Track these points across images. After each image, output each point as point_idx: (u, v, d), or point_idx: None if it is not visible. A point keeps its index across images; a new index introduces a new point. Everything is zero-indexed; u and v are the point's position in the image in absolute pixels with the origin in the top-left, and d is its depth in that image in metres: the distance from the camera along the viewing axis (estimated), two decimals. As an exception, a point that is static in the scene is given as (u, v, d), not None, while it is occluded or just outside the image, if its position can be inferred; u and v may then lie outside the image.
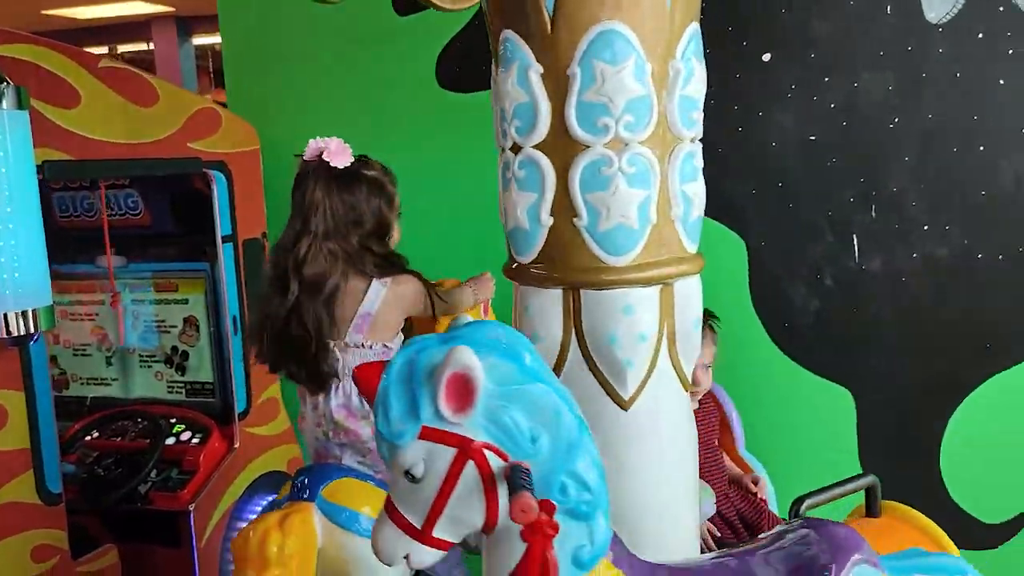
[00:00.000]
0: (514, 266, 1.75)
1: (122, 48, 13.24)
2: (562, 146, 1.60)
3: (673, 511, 1.72)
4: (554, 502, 1.24)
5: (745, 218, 2.83)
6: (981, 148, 2.59)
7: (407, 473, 1.22)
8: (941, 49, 2.58)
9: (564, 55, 1.58)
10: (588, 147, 1.59)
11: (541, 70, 1.61)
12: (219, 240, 2.97)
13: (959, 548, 2.81)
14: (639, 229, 1.60)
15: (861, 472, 2.86)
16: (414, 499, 1.24)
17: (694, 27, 1.61)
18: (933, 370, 2.75)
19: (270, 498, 2.94)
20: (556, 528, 1.22)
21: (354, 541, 1.95)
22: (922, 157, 2.65)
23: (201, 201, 3.00)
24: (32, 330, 2.15)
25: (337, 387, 2.17)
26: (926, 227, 2.68)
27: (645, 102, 1.56)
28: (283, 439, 3.30)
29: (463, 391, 1.18)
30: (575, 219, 1.61)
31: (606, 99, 1.55)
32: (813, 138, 2.73)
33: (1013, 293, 2.64)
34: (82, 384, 3.37)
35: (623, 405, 1.65)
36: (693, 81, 1.61)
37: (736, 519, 2.28)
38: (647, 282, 1.65)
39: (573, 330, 1.65)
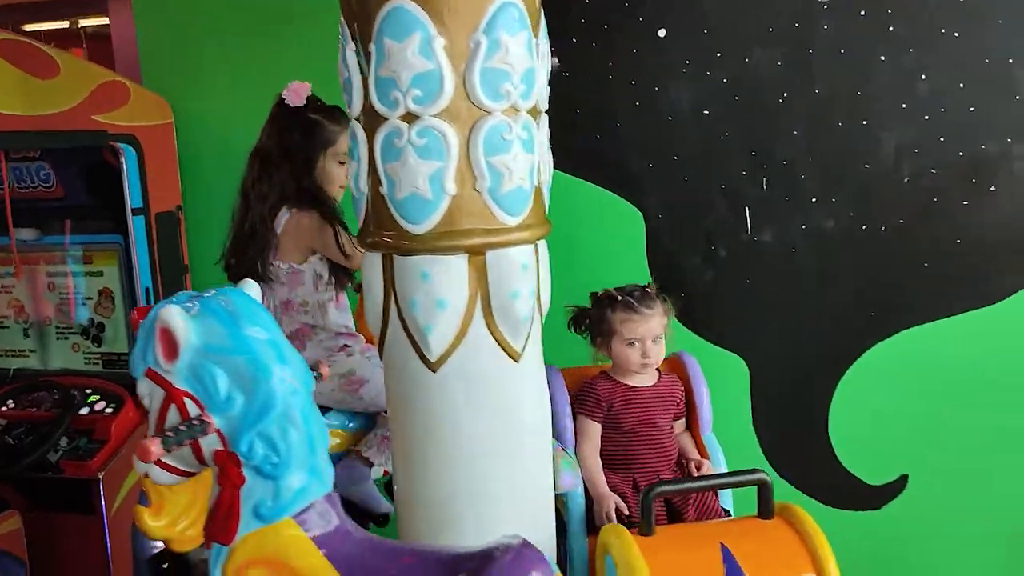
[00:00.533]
0: (399, 237, 1.81)
1: (84, 22, 13.05)
2: (371, 119, 1.68)
3: (499, 486, 1.76)
4: (240, 456, 1.43)
5: (642, 190, 2.90)
6: (864, 123, 2.68)
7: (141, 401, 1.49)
8: (826, 26, 2.65)
9: (366, 33, 1.64)
10: (386, 119, 1.66)
11: (354, 47, 1.68)
12: (129, 213, 3.00)
13: (846, 509, 2.95)
14: (433, 200, 1.65)
15: (756, 438, 3.00)
16: (149, 426, 1.49)
17: (503, 1, 1.65)
18: (821, 338, 2.84)
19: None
20: (241, 479, 1.43)
21: None
22: (810, 131, 2.73)
23: (113, 174, 3.03)
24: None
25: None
26: (814, 199, 2.76)
27: (434, 76, 1.61)
28: (201, 409, 3.35)
29: (169, 344, 1.41)
30: (380, 188, 1.69)
31: (394, 74, 1.61)
32: (707, 112, 2.80)
33: (895, 264, 2.73)
34: (1, 356, 3.41)
35: (431, 367, 1.72)
36: (500, 54, 1.65)
37: (661, 503, 2.21)
38: (445, 250, 1.70)
39: (392, 293, 1.72)
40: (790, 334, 2.86)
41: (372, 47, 1.63)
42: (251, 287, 1.53)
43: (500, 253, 1.71)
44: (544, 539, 1.82)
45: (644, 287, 2.32)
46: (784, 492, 2.85)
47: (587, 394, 2.26)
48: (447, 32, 1.61)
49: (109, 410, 3.06)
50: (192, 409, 1.43)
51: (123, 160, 2.96)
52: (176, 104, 3.25)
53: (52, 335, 3.32)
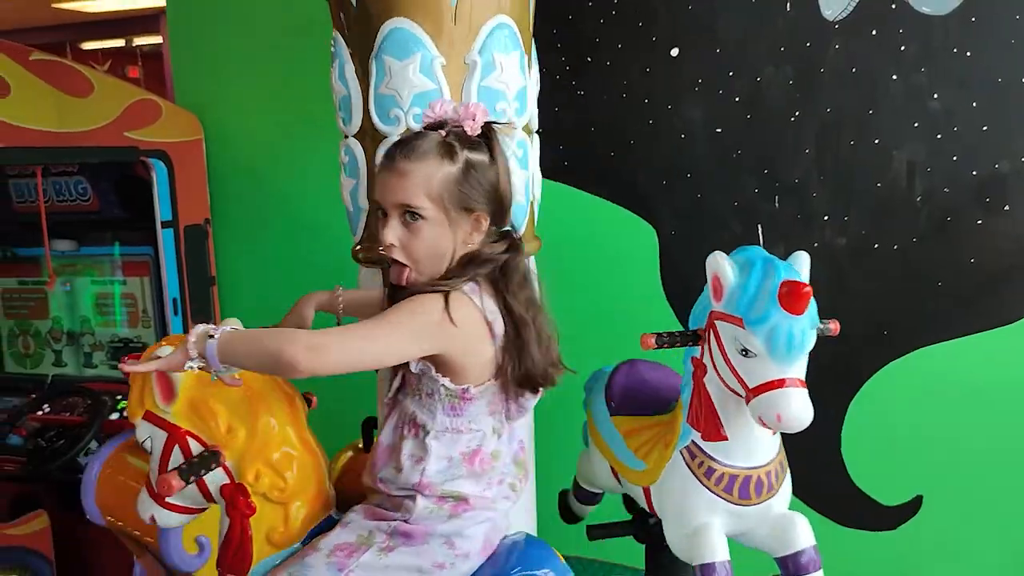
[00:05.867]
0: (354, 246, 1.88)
1: (138, 40, 13.47)
2: (372, 135, 1.74)
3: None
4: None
5: (656, 208, 2.93)
6: (876, 141, 2.67)
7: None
8: (837, 45, 2.66)
9: (366, 49, 1.70)
10: (386, 136, 1.72)
11: (354, 68, 1.74)
12: (159, 225, 3.12)
13: (860, 529, 2.93)
14: None
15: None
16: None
17: (498, 20, 1.70)
18: (833, 357, 2.81)
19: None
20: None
21: None
22: (821, 149, 2.73)
23: (144, 188, 3.16)
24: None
25: None
26: (826, 217, 2.76)
27: (433, 95, 1.67)
28: (226, 416, 3.44)
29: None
30: None
31: (395, 91, 1.67)
32: (719, 131, 2.82)
33: (908, 282, 2.71)
34: (40, 363, 3.56)
35: None
36: (495, 73, 1.70)
37: None
38: None
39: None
40: (802, 352, 2.85)
41: (372, 64, 1.68)
42: None
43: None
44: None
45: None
46: (796, 510, 2.84)
47: None
48: (444, 52, 1.66)
49: (138, 416, 3.18)
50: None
51: (154, 175, 3.09)
52: (206, 120, 3.36)
53: (87, 343, 3.45)
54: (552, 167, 2.42)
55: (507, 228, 1.58)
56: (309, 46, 3.25)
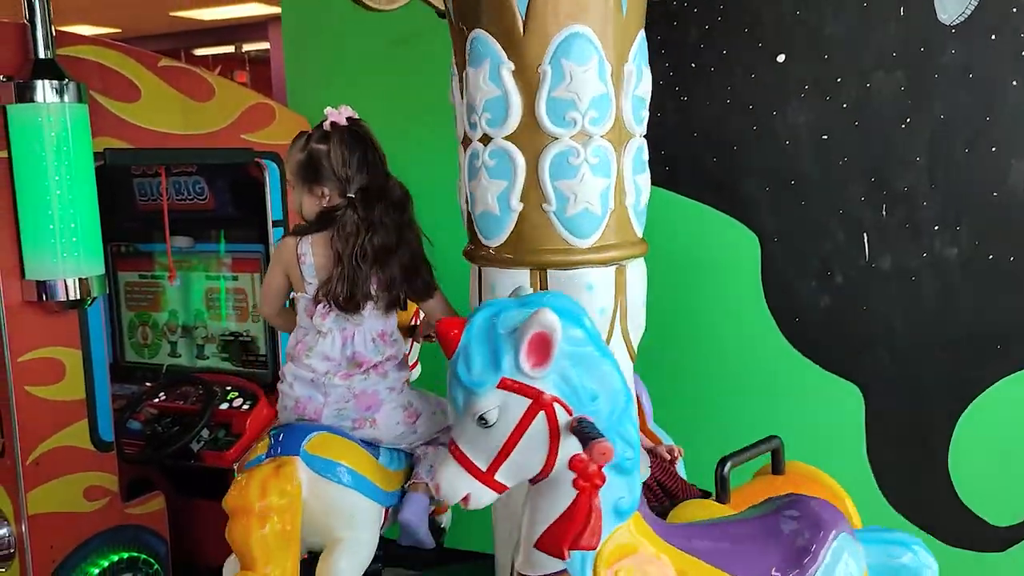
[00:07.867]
0: (478, 250, 1.92)
1: (247, 47, 14.05)
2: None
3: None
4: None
5: (759, 214, 2.90)
6: (993, 149, 2.59)
7: (480, 418, 1.36)
8: (954, 50, 2.59)
9: (535, 54, 1.75)
10: (556, 139, 1.76)
11: (512, 67, 1.78)
12: (270, 224, 3.25)
13: (966, 549, 2.84)
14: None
15: (869, 468, 2.92)
16: (483, 443, 1.37)
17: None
18: (942, 370, 2.75)
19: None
20: (604, 479, 1.37)
21: (336, 491, 2.15)
22: (933, 157, 2.66)
23: (257, 188, 3.29)
24: (85, 295, 2.47)
25: None
26: (936, 227, 2.69)
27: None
28: (329, 410, 3.56)
29: (542, 349, 1.33)
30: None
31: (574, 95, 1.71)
32: (826, 137, 2.77)
33: (1023, 295, 2.62)
34: (156, 354, 3.75)
35: None
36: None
37: (655, 485, 2.28)
38: (605, 263, 1.81)
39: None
40: (908, 364, 2.78)
41: (547, 67, 1.75)
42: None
43: (635, 264, 1.81)
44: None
45: None
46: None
47: None
48: (612, 59, 1.72)
49: (246, 406, 3.31)
50: (561, 415, 1.36)
51: (267, 175, 3.22)
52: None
53: (200, 335, 3.62)
54: (655, 172, 2.43)
55: (350, 195, 2.21)
56: (414, 55, 3.37)
